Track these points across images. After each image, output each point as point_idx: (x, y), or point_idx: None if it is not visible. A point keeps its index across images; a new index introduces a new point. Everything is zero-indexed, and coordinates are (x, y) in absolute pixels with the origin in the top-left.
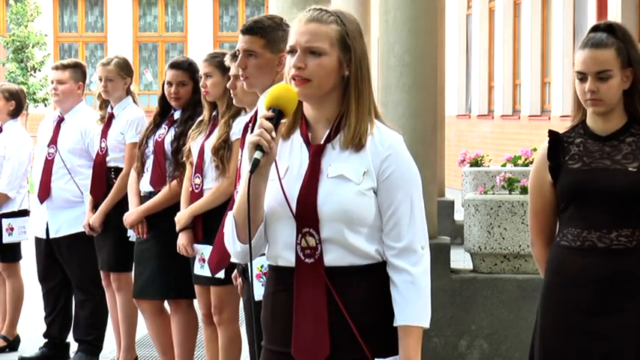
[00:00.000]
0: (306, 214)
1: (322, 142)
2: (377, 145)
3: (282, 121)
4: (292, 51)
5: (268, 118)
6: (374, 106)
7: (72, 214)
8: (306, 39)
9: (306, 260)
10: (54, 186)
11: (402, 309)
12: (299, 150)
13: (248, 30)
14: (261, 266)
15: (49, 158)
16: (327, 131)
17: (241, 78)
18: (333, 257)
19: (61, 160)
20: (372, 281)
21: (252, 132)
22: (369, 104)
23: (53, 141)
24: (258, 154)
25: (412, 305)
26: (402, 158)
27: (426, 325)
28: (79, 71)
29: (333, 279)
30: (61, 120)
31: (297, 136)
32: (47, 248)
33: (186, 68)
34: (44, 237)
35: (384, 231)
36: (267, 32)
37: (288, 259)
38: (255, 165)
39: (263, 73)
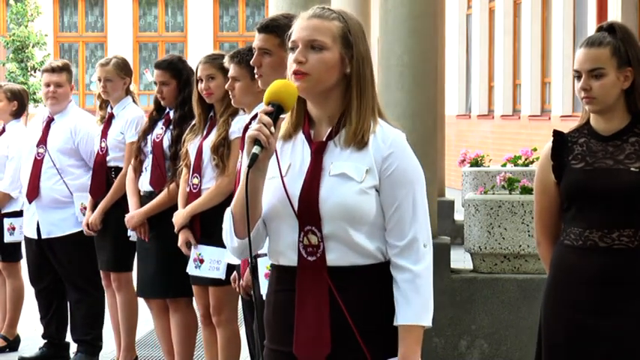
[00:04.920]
0: (308, 212)
1: (324, 140)
2: (379, 142)
3: (282, 116)
4: (294, 47)
5: (267, 113)
6: (377, 105)
7: (62, 216)
8: (307, 33)
9: (309, 258)
10: (43, 186)
11: (402, 308)
12: (301, 148)
13: (263, 28)
14: (270, 265)
15: (39, 158)
16: (330, 129)
17: (256, 76)
18: (335, 256)
19: (51, 159)
20: (373, 281)
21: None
22: (372, 103)
23: (42, 141)
24: (256, 149)
25: (412, 304)
26: (404, 156)
27: (427, 323)
28: (70, 72)
29: (334, 278)
30: (50, 120)
31: (300, 134)
32: (38, 249)
33: (166, 67)
34: (35, 237)
35: (387, 229)
36: (282, 31)
37: (290, 257)
38: (254, 159)
39: (277, 71)
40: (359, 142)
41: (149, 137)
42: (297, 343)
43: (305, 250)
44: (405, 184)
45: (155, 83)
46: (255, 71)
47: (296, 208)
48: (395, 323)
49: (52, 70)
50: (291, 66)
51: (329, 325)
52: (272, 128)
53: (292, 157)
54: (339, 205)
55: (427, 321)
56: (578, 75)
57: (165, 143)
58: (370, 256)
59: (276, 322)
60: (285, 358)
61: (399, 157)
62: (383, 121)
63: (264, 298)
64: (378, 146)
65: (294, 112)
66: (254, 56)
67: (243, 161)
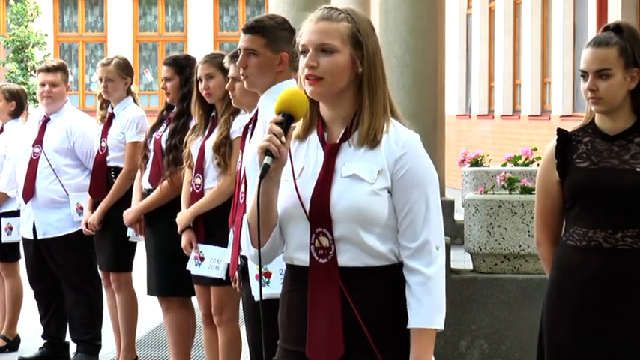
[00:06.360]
0: (320, 214)
1: (338, 142)
2: (392, 144)
3: (292, 125)
4: (304, 51)
5: (278, 123)
6: (390, 104)
7: (58, 216)
8: (317, 37)
9: (320, 260)
10: (39, 186)
11: (414, 311)
12: (315, 150)
13: (249, 29)
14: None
15: (34, 158)
16: (343, 130)
17: (242, 77)
18: (346, 257)
19: (47, 160)
20: (386, 283)
21: (252, 133)
22: (384, 101)
23: (38, 141)
24: (267, 160)
25: (424, 307)
26: (417, 157)
27: (439, 326)
28: (66, 72)
29: (346, 280)
30: (46, 120)
31: (313, 137)
32: (35, 249)
33: (170, 63)
34: (32, 238)
35: (400, 231)
36: (268, 32)
37: (302, 259)
38: (265, 170)
39: (263, 72)
40: (372, 141)
41: (154, 135)
42: (309, 346)
43: (316, 252)
44: (418, 186)
45: (162, 80)
46: (241, 72)
47: (307, 210)
48: (408, 326)
49: (48, 69)
50: (303, 71)
51: (341, 328)
52: (283, 138)
53: (306, 159)
54: (350, 208)
55: (439, 323)
56: (584, 75)
57: (164, 140)
58: (383, 257)
59: (290, 322)
60: (299, 358)
61: (411, 158)
62: (396, 122)
63: (255, 298)
64: (391, 147)
65: (307, 114)
66: (240, 57)
67: (243, 162)
